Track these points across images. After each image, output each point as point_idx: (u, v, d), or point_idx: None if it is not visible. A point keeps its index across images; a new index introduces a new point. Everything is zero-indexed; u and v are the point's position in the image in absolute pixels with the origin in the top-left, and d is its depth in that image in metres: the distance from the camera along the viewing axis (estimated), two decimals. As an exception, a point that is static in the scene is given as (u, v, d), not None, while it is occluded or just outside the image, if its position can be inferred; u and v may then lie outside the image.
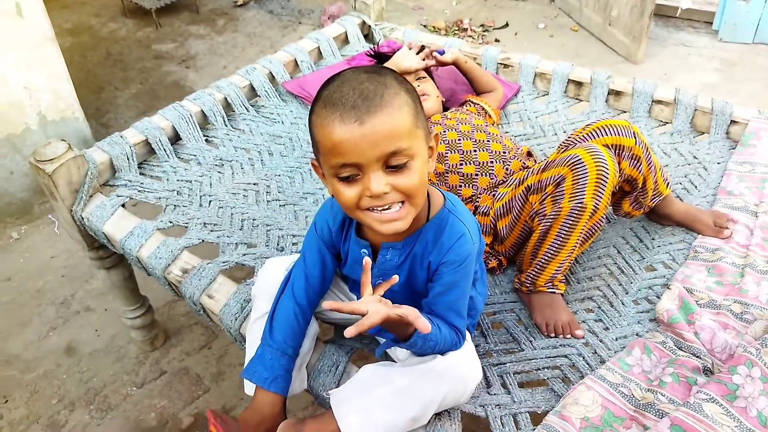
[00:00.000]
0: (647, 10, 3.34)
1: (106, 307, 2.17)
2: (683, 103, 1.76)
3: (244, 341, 1.26)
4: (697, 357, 1.15)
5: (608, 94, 1.89)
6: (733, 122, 1.71)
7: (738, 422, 0.99)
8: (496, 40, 3.86)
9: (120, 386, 1.89)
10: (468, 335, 1.10)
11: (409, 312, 0.88)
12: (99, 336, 2.06)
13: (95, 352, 2.01)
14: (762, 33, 3.57)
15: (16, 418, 1.81)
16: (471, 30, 3.99)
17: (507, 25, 4.06)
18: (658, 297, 1.32)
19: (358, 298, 1.15)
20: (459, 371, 1.02)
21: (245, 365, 1.14)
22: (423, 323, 0.87)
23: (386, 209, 0.88)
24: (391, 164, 0.85)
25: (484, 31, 3.99)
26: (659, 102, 1.81)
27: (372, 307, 0.84)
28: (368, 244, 1.04)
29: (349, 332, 0.82)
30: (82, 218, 1.52)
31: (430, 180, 1.46)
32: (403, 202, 0.89)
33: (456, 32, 3.97)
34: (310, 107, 0.93)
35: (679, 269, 1.37)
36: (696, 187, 1.61)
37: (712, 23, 3.74)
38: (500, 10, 4.28)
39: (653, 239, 1.48)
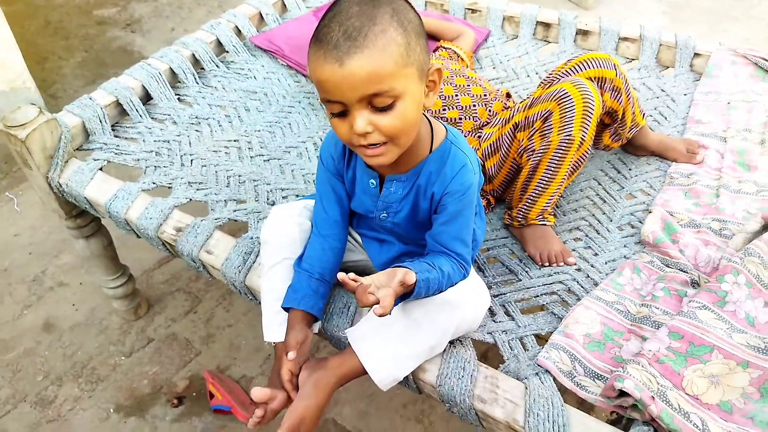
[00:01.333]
0: (596, -44, 3.39)
1: (80, 281, 2.11)
2: (648, 39, 1.82)
3: (249, 293, 1.26)
4: (684, 272, 1.23)
5: (576, 34, 1.93)
6: (696, 55, 1.78)
7: (729, 324, 1.07)
8: (450, -8, 3.84)
9: (107, 357, 1.86)
10: (475, 273, 1.14)
11: (402, 275, 0.88)
12: (77, 310, 2.01)
13: (76, 326, 1.96)
14: (704, -26, 3.69)
15: (2, 398, 1.77)
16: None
17: (458, -24, 4.05)
18: (641, 222, 1.39)
19: (364, 246, 1.16)
20: (469, 298, 1.06)
21: (263, 313, 1.15)
22: (410, 277, 0.89)
23: (373, 147, 0.90)
24: (375, 104, 0.86)
25: (436, -17, 3.97)
26: (625, 39, 1.86)
27: (381, 293, 0.84)
28: (377, 175, 1.05)
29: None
30: (60, 185, 1.46)
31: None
32: (385, 143, 0.90)
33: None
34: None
35: (657, 195, 1.44)
36: (666, 118, 1.68)
37: (657, -33, 3.83)
38: (450, -39, 4.25)
39: (630, 169, 1.55)
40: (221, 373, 1.78)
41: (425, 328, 1.02)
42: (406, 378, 1.08)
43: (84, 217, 1.61)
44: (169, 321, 1.96)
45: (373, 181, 1.06)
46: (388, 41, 0.83)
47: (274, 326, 1.13)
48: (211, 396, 1.65)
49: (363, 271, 1.27)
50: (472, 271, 1.11)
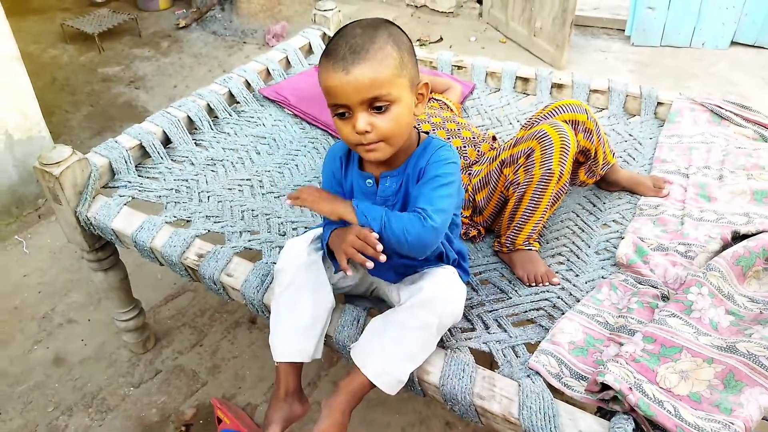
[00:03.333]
0: (568, 21, 3.70)
1: (89, 317, 2.20)
2: (616, 90, 2.05)
3: (267, 310, 1.39)
4: (655, 288, 1.38)
5: (551, 87, 2.15)
6: (659, 104, 2.00)
7: (695, 329, 1.22)
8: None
9: (116, 388, 1.94)
10: (453, 269, 1.27)
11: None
12: (86, 345, 2.10)
13: (85, 360, 2.04)
14: (668, 36, 4.03)
15: (14, 428, 1.83)
16: (409, 44, 4.24)
17: (441, 39, 4.36)
18: (615, 247, 1.55)
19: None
20: (444, 293, 1.18)
21: (271, 333, 1.27)
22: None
23: (371, 145, 1.08)
24: (374, 106, 1.04)
25: (421, 45, 4.26)
26: (595, 91, 2.09)
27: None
28: (372, 175, 1.21)
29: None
30: (87, 218, 1.60)
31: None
32: (380, 141, 1.07)
33: (396, 47, 4.22)
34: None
35: (629, 224, 1.61)
36: (634, 159, 1.88)
37: (624, 30, 4.17)
38: (433, 26, 4.58)
39: (604, 203, 1.73)
40: (227, 401, 1.87)
41: (411, 327, 1.14)
42: (412, 381, 1.20)
43: (105, 251, 1.74)
44: (176, 353, 2.05)
45: (369, 180, 1.21)
46: (385, 55, 1.03)
47: (283, 346, 1.25)
48: (219, 421, 1.74)
49: (363, 294, 1.41)
50: (446, 271, 1.24)
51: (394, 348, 1.14)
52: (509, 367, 1.22)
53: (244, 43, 4.29)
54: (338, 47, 1.03)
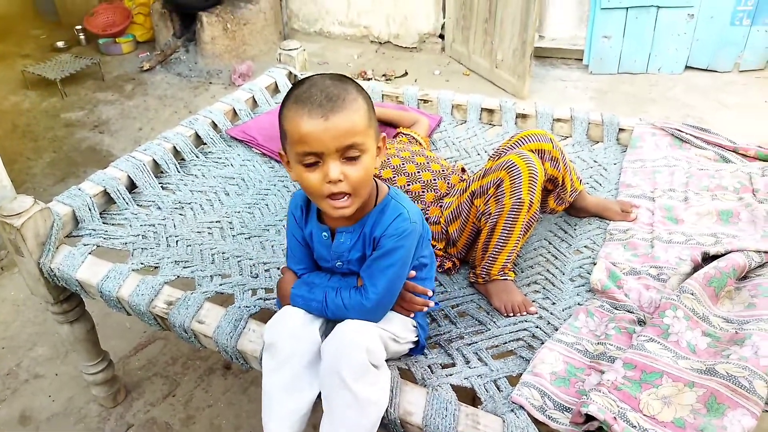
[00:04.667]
0: (527, 53, 3.79)
1: (56, 371, 2.11)
2: (578, 118, 2.09)
3: (241, 357, 1.35)
4: (630, 312, 1.39)
5: (516, 117, 2.18)
6: (621, 130, 2.05)
7: (674, 352, 1.22)
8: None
9: (86, 446, 1.86)
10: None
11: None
12: (54, 401, 2.01)
13: (53, 417, 1.95)
14: (624, 64, 4.17)
15: (-25, 497, 1.73)
16: (375, 80, 4.30)
17: (406, 73, 4.42)
18: (589, 273, 1.56)
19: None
20: (343, 340, 1.12)
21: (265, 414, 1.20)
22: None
23: (340, 199, 1.07)
24: (347, 155, 1.04)
25: (387, 80, 4.32)
26: (559, 120, 2.13)
27: None
28: (328, 228, 1.21)
29: None
30: (51, 269, 1.54)
31: (377, 175, 1.65)
32: (349, 195, 1.07)
33: (363, 81, 4.27)
34: (280, 105, 1.11)
35: (600, 249, 1.62)
36: (600, 184, 1.91)
37: (582, 59, 4.30)
38: (398, 60, 4.65)
39: (575, 229, 1.74)
40: (204, 452, 1.80)
41: (331, 388, 1.12)
42: (394, 423, 1.17)
43: (70, 302, 1.68)
44: (147, 405, 1.97)
45: (325, 234, 1.21)
46: (359, 106, 1.05)
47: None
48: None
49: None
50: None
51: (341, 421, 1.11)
52: (492, 402, 1.20)
53: (210, 83, 4.28)
54: (313, 95, 1.03)
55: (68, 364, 2.13)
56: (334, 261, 1.23)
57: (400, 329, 1.24)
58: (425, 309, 1.27)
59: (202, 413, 1.94)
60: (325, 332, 1.20)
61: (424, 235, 1.24)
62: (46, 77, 4.04)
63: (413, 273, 1.24)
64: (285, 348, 1.17)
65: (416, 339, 1.30)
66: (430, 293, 1.28)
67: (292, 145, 1.06)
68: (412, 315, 1.27)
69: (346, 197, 1.08)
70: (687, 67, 4.16)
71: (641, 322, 1.36)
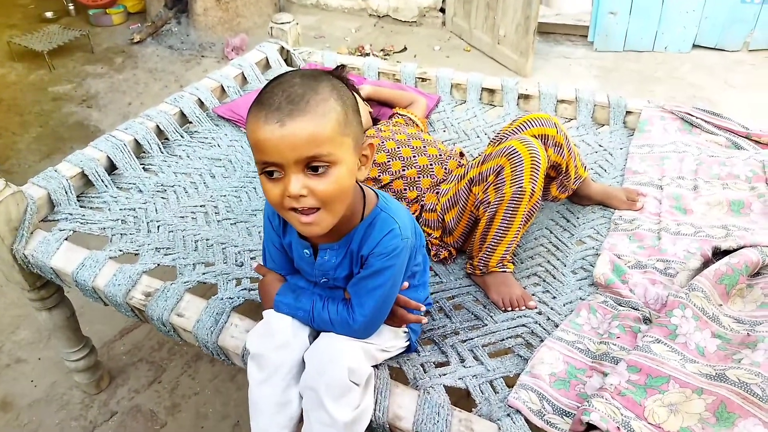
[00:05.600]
0: (531, 28, 3.67)
1: (39, 356, 2.05)
2: (584, 100, 1.99)
3: (222, 353, 1.27)
4: (635, 309, 1.31)
5: (518, 98, 2.08)
6: (628, 113, 1.95)
7: (681, 355, 1.15)
8: (398, 63, 4.07)
9: (68, 434, 1.80)
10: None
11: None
12: (36, 386, 1.95)
13: (35, 402, 1.89)
14: (631, 41, 4.04)
15: (-47, 486, 1.67)
16: (373, 55, 4.17)
17: (405, 48, 4.29)
18: (592, 265, 1.48)
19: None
20: (323, 357, 1.04)
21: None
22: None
23: (307, 214, 0.91)
24: (311, 167, 0.88)
25: (385, 55, 4.19)
26: (563, 101, 2.03)
27: None
28: (309, 245, 1.07)
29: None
30: (25, 256, 1.46)
31: (366, 181, 1.55)
32: (319, 209, 0.91)
33: (359, 57, 4.14)
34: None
35: (605, 240, 1.54)
36: (605, 170, 1.82)
37: (587, 36, 4.17)
38: (397, 35, 4.51)
39: (578, 218, 1.66)
40: (189, 443, 1.74)
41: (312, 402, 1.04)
42: (383, 428, 1.10)
43: (47, 289, 1.60)
44: (132, 392, 1.91)
45: (306, 251, 1.08)
46: (328, 109, 0.88)
47: None
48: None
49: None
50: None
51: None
52: (487, 405, 1.13)
53: (203, 56, 4.15)
54: (273, 96, 0.88)
55: (51, 348, 2.06)
56: (319, 278, 1.11)
57: (389, 339, 1.16)
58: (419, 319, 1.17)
59: (189, 401, 1.88)
60: (316, 335, 1.13)
61: (418, 246, 1.13)
62: (34, 49, 3.91)
63: (406, 285, 1.12)
64: (273, 359, 1.08)
65: (407, 344, 1.23)
66: (423, 308, 1.16)
67: (253, 152, 0.91)
68: (404, 326, 1.19)
69: (315, 212, 0.92)
70: (695, 46, 4.04)
71: (647, 320, 1.29)
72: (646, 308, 1.31)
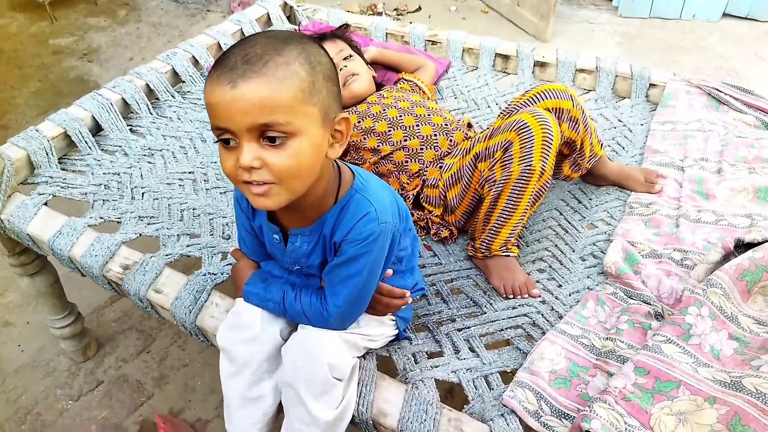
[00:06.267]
0: (553, -10, 3.47)
1: (27, 320, 2.00)
2: (604, 70, 1.85)
3: (201, 334, 1.20)
4: (647, 303, 1.21)
5: (534, 65, 1.94)
6: (651, 85, 1.81)
7: (694, 358, 1.05)
8: (409, 24, 3.89)
9: (54, 401, 1.75)
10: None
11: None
12: (23, 351, 1.90)
13: (21, 368, 1.85)
14: (657, 8, 3.82)
15: (-65, 450, 1.64)
16: (385, 14, 3.99)
17: (420, 8, 4.10)
18: (602, 252, 1.38)
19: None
20: (300, 352, 0.97)
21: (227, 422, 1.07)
22: None
23: (258, 185, 0.82)
24: (267, 136, 0.79)
25: (398, 15, 4.01)
26: (582, 71, 1.89)
27: None
28: (279, 229, 0.98)
29: None
30: (2, 220, 1.38)
31: (365, 152, 1.42)
32: (273, 183, 0.81)
33: (368, 17, 3.96)
34: None
35: (618, 225, 1.43)
36: (623, 148, 1.69)
37: (611, 0, 3.95)
38: (412, -6, 4.31)
39: (590, 199, 1.55)
40: (175, 417, 1.69)
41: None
42: (366, 424, 1.03)
43: (28, 254, 1.53)
44: (120, 362, 1.86)
45: (276, 236, 0.99)
46: (289, 73, 0.78)
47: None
48: (164, 441, 1.57)
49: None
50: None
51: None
52: (480, 403, 1.05)
53: (208, 11, 4.00)
54: (231, 55, 0.78)
55: (40, 312, 2.01)
56: (292, 265, 1.02)
57: (375, 327, 1.08)
58: (405, 306, 1.08)
59: (177, 372, 1.83)
60: (293, 326, 1.04)
61: (403, 228, 1.02)
62: (35, -1, 3.78)
63: (390, 272, 1.03)
64: (242, 353, 1.01)
65: (396, 332, 1.14)
66: (409, 299, 1.08)
67: (208, 115, 0.82)
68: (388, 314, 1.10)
69: (266, 186, 0.81)
70: (725, 15, 3.81)
71: (658, 316, 1.19)
72: (658, 303, 1.21)
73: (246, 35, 2.04)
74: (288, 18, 2.22)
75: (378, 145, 1.55)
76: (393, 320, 1.12)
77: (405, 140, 1.54)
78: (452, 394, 1.60)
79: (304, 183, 0.85)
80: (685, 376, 1.02)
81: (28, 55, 3.48)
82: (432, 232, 1.47)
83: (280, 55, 0.78)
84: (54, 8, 3.83)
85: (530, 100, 1.38)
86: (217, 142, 0.82)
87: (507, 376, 1.12)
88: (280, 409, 1.05)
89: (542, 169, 1.26)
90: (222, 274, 1.27)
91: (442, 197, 1.46)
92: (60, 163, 1.53)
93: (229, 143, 0.80)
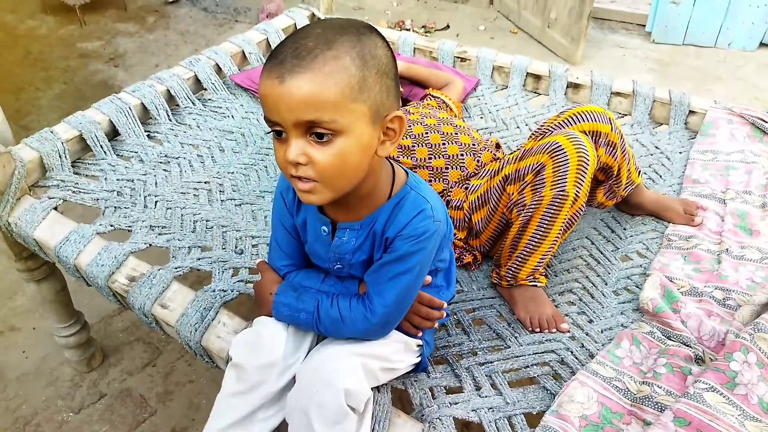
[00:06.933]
0: (585, 13, 3.41)
1: (34, 325, 1.95)
2: (642, 94, 1.77)
3: (206, 355, 1.13)
4: (687, 346, 1.12)
5: (567, 87, 1.87)
6: (691, 112, 1.73)
7: (741, 410, 0.96)
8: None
9: (54, 413, 1.69)
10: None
11: None
12: (27, 358, 1.85)
13: (23, 375, 1.79)
14: (692, 34, 3.73)
15: (-70, 456, 1.59)
16: (413, 31, 3.95)
17: (448, 26, 4.06)
18: (637, 286, 1.29)
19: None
20: (316, 377, 0.89)
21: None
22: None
23: (304, 182, 0.81)
24: (315, 133, 0.77)
25: (425, 32, 3.97)
26: (618, 94, 1.81)
27: None
28: (329, 221, 0.94)
29: None
30: (9, 224, 1.34)
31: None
32: (316, 181, 0.80)
33: (396, 31, 3.93)
34: None
35: (655, 258, 1.35)
36: (661, 176, 1.60)
37: (644, 25, 3.87)
38: (441, 12, 4.28)
39: (624, 229, 1.46)
40: (177, 436, 1.62)
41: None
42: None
43: (35, 260, 1.48)
44: (124, 374, 1.80)
45: (324, 228, 0.94)
46: (338, 68, 0.75)
47: None
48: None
49: None
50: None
51: None
52: (502, 447, 0.96)
53: (236, 21, 4.00)
54: (283, 47, 0.77)
55: (48, 318, 1.96)
56: (333, 263, 0.97)
57: (398, 352, 0.99)
58: (437, 324, 1.02)
59: (182, 389, 1.76)
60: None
61: (447, 236, 0.97)
62: (66, 2, 3.80)
63: (429, 279, 0.98)
64: (254, 377, 0.94)
65: (418, 360, 1.06)
66: (445, 307, 1.03)
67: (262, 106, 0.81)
68: (420, 334, 1.02)
69: (310, 182, 0.80)
70: (762, 44, 3.71)
71: (699, 360, 1.10)
72: (699, 345, 1.12)
73: (271, 45, 2.01)
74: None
75: (397, 159, 1.48)
76: (419, 346, 1.04)
77: (430, 158, 1.47)
78: (468, 429, 1.51)
79: (349, 182, 0.83)
80: (731, 430, 0.92)
81: (55, 57, 3.50)
82: (455, 256, 1.39)
83: (330, 48, 0.75)
84: (84, 12, 3.86)
85: (565, 121, 1.31)
86: (269, 132, 0.81)
87: (532, 419, 1.03)
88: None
89: (576, 195, 1.18)
90: (232, 291, 1.20)
91: (466, 220, 1.38)
92: (73, 166, 1.48)
93: (281, 135, 0.79)
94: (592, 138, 1.28)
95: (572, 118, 1.30)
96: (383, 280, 0.90)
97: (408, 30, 3.94)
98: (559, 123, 1.32)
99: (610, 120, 1.29)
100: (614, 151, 1.31)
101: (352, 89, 0.75)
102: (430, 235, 0.88)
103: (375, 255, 0.93)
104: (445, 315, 1.04)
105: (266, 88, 0.76)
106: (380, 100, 0.79)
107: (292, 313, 0.96)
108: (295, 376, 0.94)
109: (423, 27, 4.02)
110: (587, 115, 1.29)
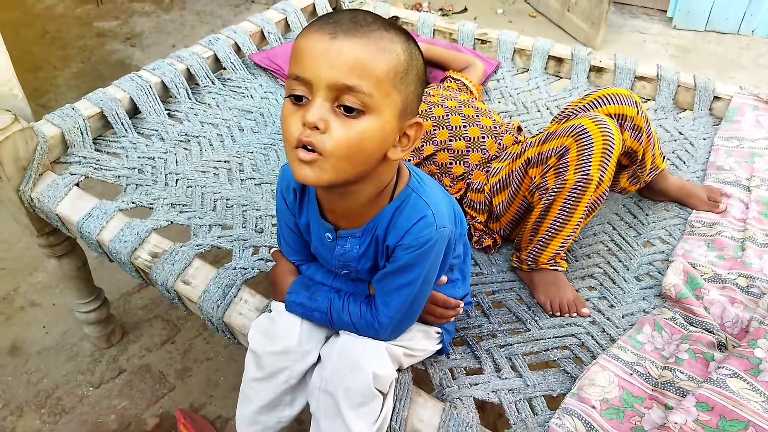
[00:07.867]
0: (606, -4, 3.35)
1: (54, 301, 1.97)
2: (666, 79, 1.74)
3: (228, 331, 1.14)
4: (709, 332, 1.11)
5: (589, 70, 1.85)
6: (715, 98, 1.70)
7: (765, 396, 0.95)
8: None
9: (74, 387, 1.72)
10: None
11: None
12: (48, 333, 1.87)
13: (44, 350, 1.82)
14: (714, 21, 3.66)
15: (-46, 427, 1.62)
16: (430, 13, 3.91)
17: (465, 9, 4.02)
18: (660, 273, 1.28)
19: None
20: (344, 360, 0.90)
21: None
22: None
23: (307, 150, 0.74)
24: (342, 103, 0.72)
25: (443, 15, 3.93)
26: (641, 78, 1.78)
27: None
28: (333, 228, 0.91)
29: None
30: (32, 199, 1.35)
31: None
32: (320, 155, 0.74)
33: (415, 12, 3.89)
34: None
35: (678, 244, 1.33)
36: (684, 162, 1.58)
37: (666, 11, 3.81)
38: (458, -6, 4.23)
39: (647, 215, 1.45)
40: (195, 412, 1.64)
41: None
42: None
43: (57, 235, 1.49)
44: (143, 350, 1.82)
45: (329, 235, 0.91)
46: (390, 49, 0.74)
47: None
48: (181, 437, 1.52)
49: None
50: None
51: None
52: (523, 429, 0.97)
53: (252, 2, 3.98)
54: (339, 13, 0.75)
55: (68, 294, 1.99)
56: (340, 269, 0.95)
57: (420, 340, 1.00)
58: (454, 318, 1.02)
59: (201, 366, 1.78)
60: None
61: (459, 234, 0.94)
62: (83, -19, 3.81)
63: (444, 279, 0.96)
64: (271, 364, 0.94)
65: (439, 346, 1.06)
66: (461, 306, 1.02)
67: (290, 62, 0.76)
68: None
69: (314, 154, 0.74)
70: (787, 31, 3.64)
71: (722, 346, 1.09)
72: (722, 332, 1.11)
73: (290, 25, 2.00)
74: (333, 9, 2.16)
75: (422, 145, 1.47)
76: (439, 333, 1.04)
77: (450, 141, 1.46)
78: (483, 411, 1.51)
79: (354, 169, 0.77)
80: (755, 416, 0.92)
81: (72, 36, 3.50)
82: (474, 239, 1.39)
83: (387, 31, 0.74)
84: (101, -9, 3.86)
85: (591, 104, 1.29)
86: (287, 97, 0.76)
87: (552, 402, 1.03)
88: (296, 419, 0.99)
89: (600, 179, 1.17)
90: (253, 269, 1.21)
91: (487, 203, 1.37)
92: (94, 143, 1.49)
93: (300, 100, 0.74)
94: (617, 121, 1.26)
95: (598, 101, 1.28)
96: (387, 291, 0.89)
97: (426, 12, 3.90)
98: (584, 106, 1.30)
99: (636, 103, 1.27)
100: (640, 135, 1.29)
101: (396, 74, 0.74)
102: (433, 244, 0.84)
103: (379, 262, 0.91)
104: (462, 310, 1.03)
105: (310, 41, 0.72)
106: (411, 100, 0.78)
107: (306, 311, 0.96)
108: (316, 361, 0.94)
109: (440, 10, 3.98)
110: (613, 98, 1.27)
